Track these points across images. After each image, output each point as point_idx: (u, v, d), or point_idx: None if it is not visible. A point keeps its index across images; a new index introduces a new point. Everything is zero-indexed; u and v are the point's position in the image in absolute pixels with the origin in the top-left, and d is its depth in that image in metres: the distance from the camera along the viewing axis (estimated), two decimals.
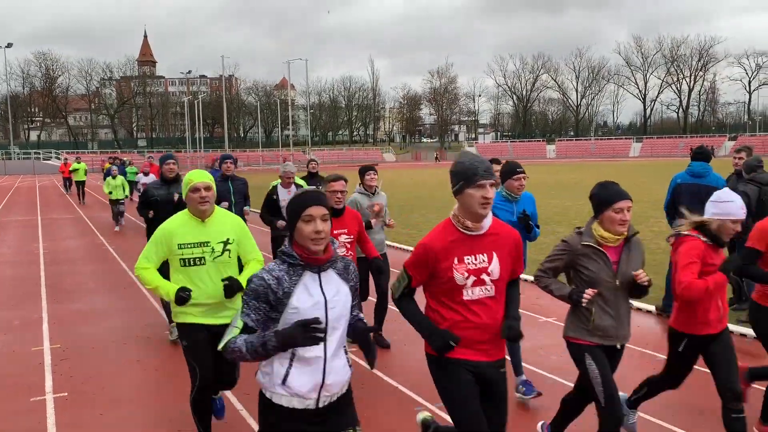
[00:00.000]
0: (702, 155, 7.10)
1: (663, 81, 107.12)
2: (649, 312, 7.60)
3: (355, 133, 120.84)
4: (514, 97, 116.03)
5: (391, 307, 7.97)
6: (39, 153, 72.92)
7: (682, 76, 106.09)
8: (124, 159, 30.94)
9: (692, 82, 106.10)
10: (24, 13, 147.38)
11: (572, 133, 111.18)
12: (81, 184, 25.63)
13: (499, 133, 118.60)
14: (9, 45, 69.61)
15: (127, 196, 16.83)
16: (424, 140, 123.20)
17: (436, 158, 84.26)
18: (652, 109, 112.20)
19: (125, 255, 12.47)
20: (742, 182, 7.03)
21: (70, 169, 27.33)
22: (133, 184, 21.56)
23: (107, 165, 24.09)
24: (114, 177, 16.44)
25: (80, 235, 15.72)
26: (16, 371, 5.85)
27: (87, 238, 14.99)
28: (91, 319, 7.64)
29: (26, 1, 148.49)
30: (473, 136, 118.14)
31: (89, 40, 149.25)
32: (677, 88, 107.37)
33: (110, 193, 16.33)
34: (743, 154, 7.43)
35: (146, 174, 16.52)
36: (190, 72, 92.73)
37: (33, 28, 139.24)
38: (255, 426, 4.60)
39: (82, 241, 14.62)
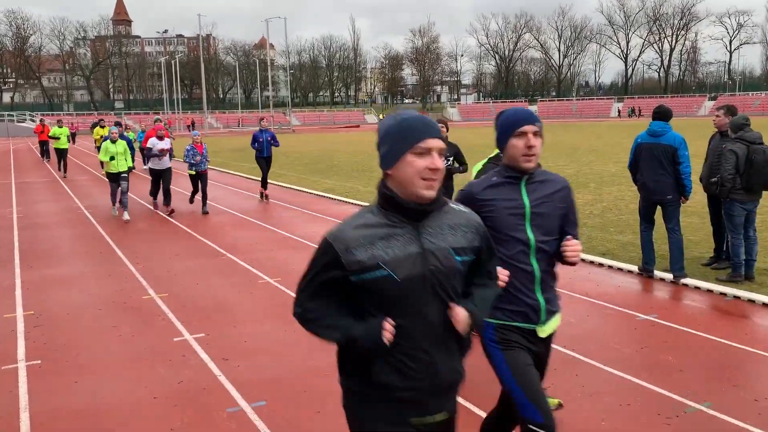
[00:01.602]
0: (660, 115, 7.06)
1: (645, 40, 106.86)
2: (630, 272, 7.60)
3: (336, 95, 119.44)
4: (497, 56, 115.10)
5: None
6: (13, 115, 71.20)
7: (663, 35, 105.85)
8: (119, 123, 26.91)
9: (674, 42, 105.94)
10: None
11: (554, 94, 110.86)
12: (63, 153, 21.39)
13: (481, 94, 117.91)
14: None
15: (131, 168, 12.47)
16: (406, 101, 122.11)
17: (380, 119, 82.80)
18: (633, 69, 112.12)
19: (102, 219, 12.23)
20: (729, 141, 6.97)
21: (50, 134, 22.57)
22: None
23: (103, 130, 21.95)
24: (114, 141, 12.11)
25: (56, 198, 15.39)
26: None
27: (63, 202, 14.69)
28: (66, 285, 7.49)
29: None
30: (455, 96, 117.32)
31: (63, 1, 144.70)
32: (659, 48, 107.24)
33: (111, 158, 12.04)
34: (721, 112, 7.38)
35: (161, 138, 12.92)
36: (166, 31, 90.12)
37: None
38: (233, 392, 4.53)
39: (57, 205, 14.32)
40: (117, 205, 12.44)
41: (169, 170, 12.97)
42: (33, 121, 70.65)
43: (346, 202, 13.86)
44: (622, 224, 10.39)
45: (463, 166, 7.96)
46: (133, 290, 7.22)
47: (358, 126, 75.10)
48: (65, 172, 20.91)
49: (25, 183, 19.21)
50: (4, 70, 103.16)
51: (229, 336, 5.70)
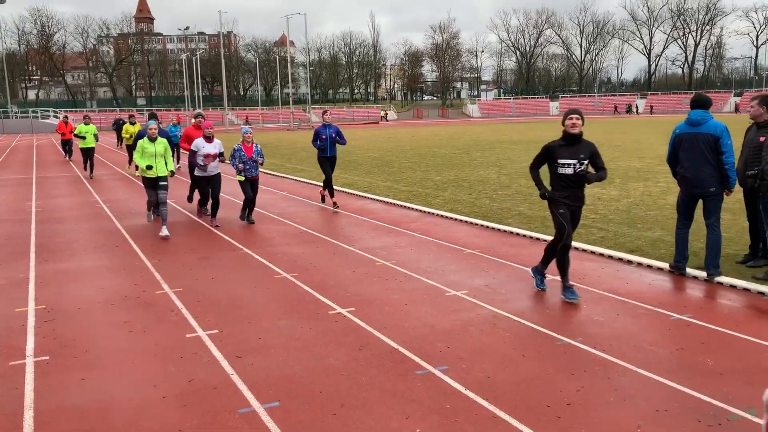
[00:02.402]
0: (699, 103, 6.72)
1: (669, 36, 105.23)
2: (661, 269, 7.28)
3: (356, 91, 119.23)
4: (518, 53, 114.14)
5: (389, 263, 7.68)
6: (37, 112, 72.05)
7: (688, 30, 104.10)
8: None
9: (698, 37, 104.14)
10: None
11: (575, 90, 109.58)
12: (89, 153, 19.21)
13: (501, 90, 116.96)
14: (2, 1, 68.01)
15: (172, 172, 10.15)
16: (426, 98, 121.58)
17: (384, 117, 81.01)
18: (657, 65, 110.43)
19: (119, 213, 12.14)
20: (764, 131, 6.63)
21: (76, 132, 19.69)
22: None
23: (133, 127, 19.59)
24: (153, 140, 9.88)
25: (75, 193, 15.37)
26: None
27: (82, 197, 14.65)
28: (80, 279, 7.35)
29: None
30: (476, 93, 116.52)
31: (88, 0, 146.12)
32: (683, 43, 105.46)
33: (148, 167, 9.85)
34: (756, 102, 7.03)
35: (209, 139, 10.45)
36: (188, 28, 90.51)
37: None
38: (245, 391, 4.32)
39: (76, 199, 14.27)
40: (152, 214, 10.66)
41: (218, 177, 10.55)
42: (57, 117, 71.44)
43: (365, 197, 13.65)
44: (650, 220, 10.04)
45: (602, 172, 6.30)
46: (147, 285, 7.06)
47: (377, 122, 74.85)
48: (91, 172, 19.09)
49: (46, 178, 19.26)
50: (30, 68, 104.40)
51: (243, 332, 5.50)
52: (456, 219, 10.74)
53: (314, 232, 9.87)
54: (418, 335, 5.35)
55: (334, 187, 13.16)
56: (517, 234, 9.39)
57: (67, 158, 25.82)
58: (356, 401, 4.15)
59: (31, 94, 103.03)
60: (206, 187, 10.64)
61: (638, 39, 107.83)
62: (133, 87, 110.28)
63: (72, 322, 5.83)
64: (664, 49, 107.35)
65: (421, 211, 11.70)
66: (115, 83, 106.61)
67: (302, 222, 10.77)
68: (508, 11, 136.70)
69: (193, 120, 12.49)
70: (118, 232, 10.26)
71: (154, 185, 9.99)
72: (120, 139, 31.83)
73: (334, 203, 12.22)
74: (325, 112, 12.42)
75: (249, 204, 10.58)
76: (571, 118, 6.29)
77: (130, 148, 19.35)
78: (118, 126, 32.30)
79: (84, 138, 19.12)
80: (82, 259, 8.40)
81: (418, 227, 10.13)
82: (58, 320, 5.89)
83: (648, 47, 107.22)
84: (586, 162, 6.24)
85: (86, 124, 19.36)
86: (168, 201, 10.84)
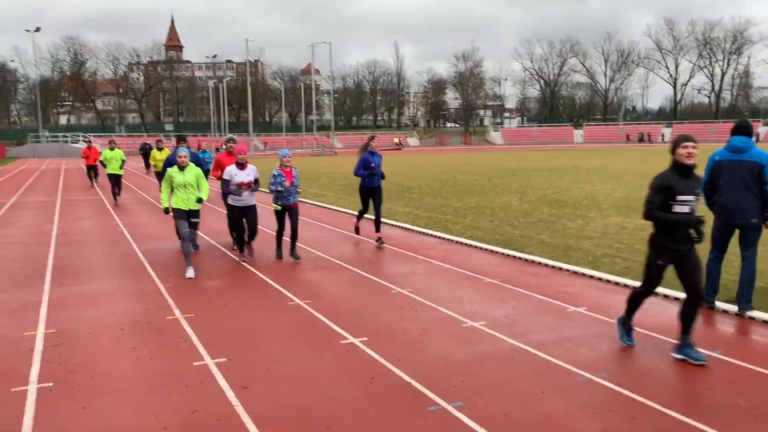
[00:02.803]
0: (743, 129, 6.46)
1: (695, 65, 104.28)
2: None
3: (379, 118, 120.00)
4: (541, 81, 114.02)
5: (405, 292, 7.48)
6: (67, 136, 73.57)
7: (714, 59, 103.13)
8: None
9: (725, 66, 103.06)
10: (55, 2, 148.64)
11: (600, 118, 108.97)
12: (116, 179, 18.21)
13: (525, 118, 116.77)
14: (37, 29, 70.01)
15: (200, 200, 8.86)
16: (449, 125, 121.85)
17: (398, 144, 79.21)
18: (682, 94, 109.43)
19: (139, 237, 12.13)
20: None
21: (101, 159, 18.70)
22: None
23: (161, 153, 17.46)
24: (183, 168, 8.76)
25: (97, 216, 15.45)
26: (3, 357, 5.47)
27: (103, 220, 14.71)
28: (92, 303, 7.27)
29: None
30: (499, 120, 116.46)
31: (118, 27, 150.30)
32: (709, 72, 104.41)
33: (165, 211, 9.00)
34: None
35: (242, 166, 9.33)
36: (215, 56, 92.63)
37: (64, 17, 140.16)
38: (249, 424, 4.14)
39: (97, 222, 14.34)
40: (186, 251, 8.85)
41: (254, 208, 9.44)
42: (86, 141, 72.83)
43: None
44: None
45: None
46: (159, 310, 6.94)
47: (399, 148, 75.02)
48: (117, 198, 18.16)
49: (70, 201, 19.45)
50: (62, 94, 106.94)
51: (252, 361, 5.33)
52: (476, 246, 10.52)
53: (330, 258, 9.71)
54: (432, 368, 5.13)
55: (365, 215, 11.63)
56: (539, 263, 9.13)
57: (92, 184, 24.61)
58: None
59: (63, 120, 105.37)
60: (240, 218, 9.37)
61: (663, 68, 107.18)
62: (162, 113, 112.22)
63: (80, 347, 5.71)
64: (690, 77, 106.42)
65: (440, 237, 11.50)
66: (144, 109, 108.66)
67: (318, 247, 10.63)
68: (532, 40, 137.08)
69: (224, 146, 11.10)
70: (135, 255, 10.21)
71: (186, 217, 8.77)
72: (147, 164, 32.13)
73: (379, 238, 10.86)
74: (372, 138, 10.99)
75: (292, 236, 9.63)
76: (686, 146, 5.27)
77: (160, 176, 17.76)
78: (144, 151, 32.65)
79: (105, 166, 18.28)
80: (96, 282, 8.34)
81: (436, 254, 9.93)
82: (66, 345, 5.79)
83: (673, 76, 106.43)
84: (700, 197, 5.43)
85: (111, 149, 18.34)
86: (240, 259, 9.66)
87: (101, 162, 18.55)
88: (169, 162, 11.00)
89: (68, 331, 6.22)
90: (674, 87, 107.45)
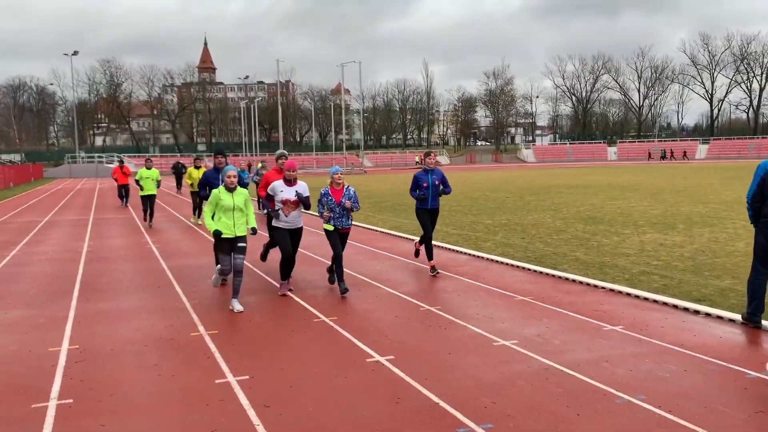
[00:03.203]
0: None
1: (732, 80, 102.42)
2: (732, 321, 6.63)
3: (408, 137, 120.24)
4: (573, 98, 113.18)
5: (433, 309, 7.28)
6: (102, 156, 75.23)
7: (752, 74, 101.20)
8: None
9: (764, 81, 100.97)
10: (94, 27, 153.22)
11: (634, 135, 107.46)
12: (150, 200, 17.08)
13: (557, 135, 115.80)
14: (75, 53, 72.04)
15: (254, 230, 7.78)
16: (479, 143, 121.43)
17: (418, 163, 78.04)
18: (719, 110, 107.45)
19: (168, 254, 12.14)
20: None
21: (136, 178, 17.52)
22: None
23: (198, 172, 16.53)
24: (231, 190, 7.66)
25: (128, 234, 15.58)
26: (26, 373, 5.42)
27: (133, 238, 14.82)
28: (117, 319, 7.22)
29: (98, 16, 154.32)
30: (530, 138, 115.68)
31: (153, 50, 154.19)
32: (747, 88, 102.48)
33: (216, 233, 7.58)
34: None
35: (290, 182, 8.34)
36: (247, 77, 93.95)
37: (101, 42, 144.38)
38: None
39: (127, 240, 14.44)
40: (219, 275, 8.12)
41: (300, 231, 8.40)
42: (118, 161, 74.30)
43: (413, 239, 13.30)
44: (718, 268, 9.33)
45: None
46: (183, 326, 6.85)
47: (420, 168, 74.82)
48: (151, 220, 17.06)
49: (102, 219, 19.71)
50: (98, 116, 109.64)
51: (275, 379, 5.17)
52: (507, 264, 10.26)
53: (357, 275, 9.56)
54: (461, 388, 4.91)
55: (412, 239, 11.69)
56: (573, 280, 8.84)
57: (123, 204, 24.12)
58: None
59: (99, 141, 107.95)
60: (287, 241, 8.21)
61: (699, 83, 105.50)
62: (195, 133, 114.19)
63: (102, 364, 5.63)
64: (727, 93, 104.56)
65: (470, 254, 11.26)
66: (178, 130, 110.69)
67: (346, 265, 10.48)
68: (564, 57, 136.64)
69: (276, 162, 9.32)
70: (162, 272, 10.20)
71: (230, 248, 7.58)
72: (179, 183, 32.27)
73: (432, 267, 9.57)
74: (428, 155, 9.90)
75: (336, 260, 8.29)
76: None
77: (195, 196, 17.33)
78: (177, 170, 32.75)
79: (141, 188, 17.05)
80: (122, 299, 8.31)
81: (466, 271, 9.70)
82: (89, 361, 5.71)
83: (710, 92, 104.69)
84: None
85: (148, 168, 17.32)
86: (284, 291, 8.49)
87: (136, 181, 17.36)
88: (207, 179, 9.75)
89: (92, 347, 6.15)
90: (710, 103, 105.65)
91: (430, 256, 9.72)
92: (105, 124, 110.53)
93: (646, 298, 7.69)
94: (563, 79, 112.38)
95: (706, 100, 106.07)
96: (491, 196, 24.83)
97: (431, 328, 6.61)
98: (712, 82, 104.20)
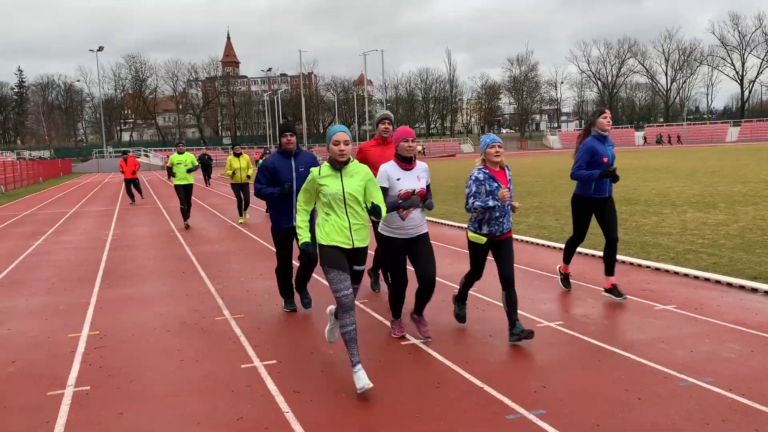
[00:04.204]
0: None
1: (763, 60, 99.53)
2: None
3: (432, 126, 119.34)
4: (599, 83, 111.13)
5: (477, 294, 6.87)
6: (129, 151, 75.91)
7: None
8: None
9: None
10: (121, 26, 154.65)
11: (662, 120, 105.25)
12: (186, 192, 14.01)
13: (582, 121, 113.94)
14: (100, 48, 72.60)
15: (377, 213, 4.59)
16: (504, 131, 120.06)
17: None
18: (750, 91, 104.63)
19: (193, 241, 11.90)
20: None
21: (168, 164, 14.59)
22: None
23: (238, 161, 14.59)
24: (343, 165, 4.46)
25: (153, 223, 15.40)
26: (44, 360, 5.15)
27: (159, 226, 14.62)
28: (140, 305, 6.94)
29: (124, 15, 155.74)
30: (555, 124, 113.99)
31: (177, 46, 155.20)
32: None
33: (304, 248, 4.62)
34: None
35: (408, 162, 4.95)
36: (270, 70, 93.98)
37: (126, 40, 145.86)
38: (299, 430, 3.63)
39: (153, 228, 14.24)
40: (334, 320, 4.81)
41: (426, 240, 5.25)
42: (147, 155, 74.93)
43: (442, 223, 12.89)
44: None
45: None
46: (208, 311, 6.55)
47: (454, 155, 74.23)
48: (187, 217, 14.02)
49: (128, 209, 19.61)
50: (125, 111, 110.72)
51: (304, 364, 4.83)
52: (543, 245, 9.81)
53: None
54: (506, 372, 4.51)
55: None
56: (615, 260, 8.34)
57: (132, 202, 21.77)
58: None
59: (126, 136, 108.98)
60: (403, 258, 5.20)
61: (729, 65, 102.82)
62: (220, 127, 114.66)
63: (122, 350, 5.34)
64: (758, 74, 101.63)
65: None
66: (203, 124, 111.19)
67: (374, 247, 10.11)
68: (588, 42, 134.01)
69: (378, 127, 6.71)
70: (187, 258, 9.94)
71: (347, 259, 4.43)
72: (208, 177, 31.73)
73: (613, 286, 6.38)
74: (601, 113, 6.40)
75: (505, 290, 5.18)
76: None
77: (238, 190, 14.83)
78: (204, 163, 31.85)
79: (174, 175, 14.15)
80: (146, 285, 8.05)
81: None
82: (109, 347, 5.43)
83: (740, 73, 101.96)
84: None
85: (180, 153, 14.36)
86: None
87: (168, 169, 14.51)
88: (273, 171, 6.19)
89: (112, 333, 5.87)
90: (741, 84, 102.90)
91: (609, 269, 6.51)
92: (131, 120, 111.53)
93: (696, 277, 7.20)
94: (588, 64, 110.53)
95: (736, 81, 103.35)
96: (520, 180, 24.25)
97: (469, 310, 6.20)
98: (743, 63, 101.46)
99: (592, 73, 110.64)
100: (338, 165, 4.41)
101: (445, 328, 5.61)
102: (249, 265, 9.15)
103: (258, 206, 17.78)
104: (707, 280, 7.06)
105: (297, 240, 4.92)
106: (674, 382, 4.21)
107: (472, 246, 5.39)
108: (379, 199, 4.47)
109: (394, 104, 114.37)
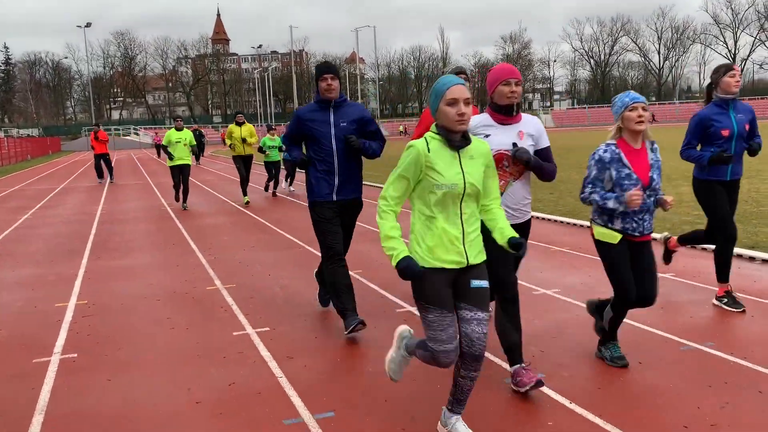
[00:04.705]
0: None
1: (756, 38, 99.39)
2: None
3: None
4: (592, 61, 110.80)
5: None
6: (119, 129, 75.19)
7: None
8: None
9: None
10: (110, 2, 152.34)
11: (653, 98, 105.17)
12: (182, 172, 12.41)
13: (575, 100, 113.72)
14: (88, 25, 71.37)
15: (518, 247, 2.92)
16: None
17: (403, 131, 73.48)
18: (743, 70, 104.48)
19: (185, 215, 11.73)
20: None
21: (164, 142, 12.67)
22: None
23: (239, 130, 12.81)
24: (457, 145, 2.85)
25: (143, 197, 15.21)
26: (31, 330, 5.02)
27: (149, 201, 14.43)
28: (129, 275, 6.81)
29: None
30: (548, 103, 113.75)
31: (167, 23, 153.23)
32: None
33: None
34: None
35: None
36: (260, 46, 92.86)
37: (114, 17, 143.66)
38: (294, 397, 3.53)
39: (143, 203, 14.06)
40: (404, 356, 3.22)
41: (527, 229, 3.77)
42: (137, 134, 74.29)
43: None
44: (766, 216, 8.71)
45: None
46: (199, 281, 6.43)
47: (404, 135, 73.83)
48: (185, 200, 12.57)
49: (117, 186, 19.37)
50: (114, 90, 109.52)
51: (298, 330, 4.73)
52: (538, 217, 9.72)
53: None
54: None
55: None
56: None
57: (100, 181, 20.38)
58: (431, 415, 3.28)
59: (115, 115, 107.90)
60: (509, 258, 3.56)
61: (722, 43, 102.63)
62: (210, 105, 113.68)
63: (111, 318, 5.22)
64: (750, 52, 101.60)
65: None
66: (193, 102, 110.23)
67: (369, 221, 10.00)
68: (582, 20, 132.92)
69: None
70: (178, 231, 9.79)
71: (450, 297, 2.86)
72: (199, 154, 31.11)
73: (727, 292, 5.09)
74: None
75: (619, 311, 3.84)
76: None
77: (243, 163, 13.11)
78: (196, 139, 31.24)
79: (171, 157, 12.28)
80: (135, 256, 7.91)
81: None
82: (97, 316, 5.31)
83: (733, 51, 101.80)
84: None
85: (178, 129, 12.52)
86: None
87: (164, 148, 12.68)
88: (301, 121, 4.64)
89: (101, 302, 5.75)
90: (733, 63, 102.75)
91: (723, 276, 5.07)
92: (121, 98, 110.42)
93: (693, 246, 7.13)
94: (581, 42, 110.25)
95: (728, 60, 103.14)
96: None
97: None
98: (735, 42, 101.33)
99: (585, 51, 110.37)
100: (456, 141, 2.82)
101: None
102: (241, 237, 9.02)
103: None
104: (704, 249, 6.99)
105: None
106: (675, 347, 4.14)
107: (603, 247, 3.76)
108: (493, 198, 3.00)
109: (387, 82, 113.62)
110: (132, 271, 7.00)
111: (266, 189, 14.84)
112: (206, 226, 10.16)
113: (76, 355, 4.37)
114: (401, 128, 75.90)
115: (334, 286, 4.47)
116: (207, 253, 7.91)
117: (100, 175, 20.54)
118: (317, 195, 4.55)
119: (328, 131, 4.52)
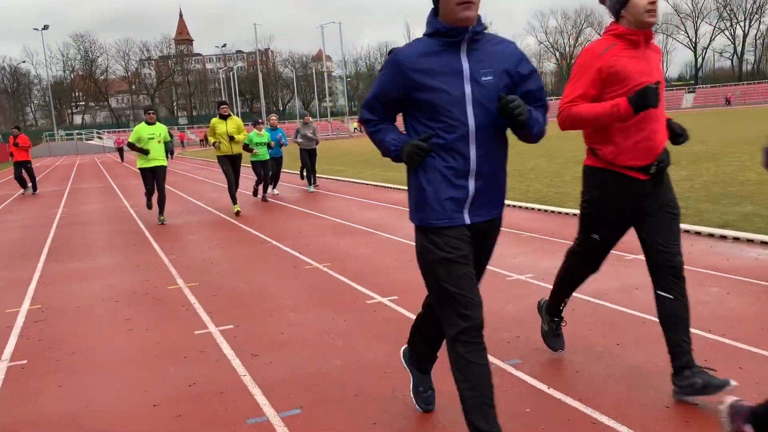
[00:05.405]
0: None
1: (715, 27, 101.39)
2: (765, 243, 6.04)
3: None
4: (557, 54, 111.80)
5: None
6: (81, 134, 73.58)
7: (735, 20, 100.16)
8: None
9: (747, 27, 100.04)
10: (69, 5, 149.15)
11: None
12: (156, 175, 10.07)
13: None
14: (45, 27, 69.67)
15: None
16: None
17: (356, 130, 66.67)
18: (703, 58, 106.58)
19: (147, 215, 11.38)
20: None
21: (131, 140, 10.05)
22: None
23: (224, 124, 10.62)
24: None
25: (104, 200, 14.76)
26: None
27: (110, 203, 14.01)
28: (87, 277, 6.51)
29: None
30: None
31: (128, 25, 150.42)
32: (731, 35, 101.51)
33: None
34: None
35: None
36: (225, 45, 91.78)
37: (73, 20, 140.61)
38: (258, 395, 3.33)
39: (104, 205, 13.64)
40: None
41: None
42: (100, 138, 72.75)
43: (398, 189, 12.63)
44: (734, 196, 8.73)
45: None
46: (160, 280, 6.16)
47: (352, 136, 73.79)
48: (162, 210, 10.26)
49: (79, 189, 18.83)
50: (76, 94, 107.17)
51: (263, 327, 4.51)
52: (508, 204, 9.62)
53: (351, 224, 8.88)
54: None
55: None
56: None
57: (23, 192, 17.60)
58: (402, 408, 3.11)
59: (78, 119, 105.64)
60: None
61: (683, 32, 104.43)
62: (175, 107, 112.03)
63: (65, 322, 4.94)
64: (710, 41, 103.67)
65: None
66: (157, 104, 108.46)
67: (337, 215, 9.80)
68: (546, 13, 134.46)
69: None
70: (140, 232, 9.46)
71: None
72: (170, 153, 30.51)
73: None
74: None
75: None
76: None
77: (229, 165, 10.75)
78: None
79: (146, 152, 9.85)
80: (95, 258, 7.58)
81: None
82: (50, 320, 5.02)
83: (693, 40, 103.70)
84: None
85: (149, 123, 10.02)
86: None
87: (131, 145, 10.02)
88: (404, 72, 2.44)
89: (55, 306, 5.45)
90: (694, 52, 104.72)
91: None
92: (83, 102, 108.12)
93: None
94: (546, 35, 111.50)
95: (690, 49, 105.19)
96: None
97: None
98: (696, 31, 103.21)
99: (550, 44, 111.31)
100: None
101: (415, 287, 5.34)
102: (205, 235, 8.75)
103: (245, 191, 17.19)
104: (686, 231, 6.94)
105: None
106: (652, 327, 4.03)
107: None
108: None
109: (355, 80, 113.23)
110: (90, 273, 6.70)
111: (255, 194, 12.91)
112: (169, 226, 9.85)
113: (25, 361, 4.09)
114: (354, 126, 67.44)
115: (469, 384, 2.40)
116: (169, 252, 7.63)
117: (23, 185, 17.47)
118: (437, 214, 2.51)
119: (460, 92, 2.42)
